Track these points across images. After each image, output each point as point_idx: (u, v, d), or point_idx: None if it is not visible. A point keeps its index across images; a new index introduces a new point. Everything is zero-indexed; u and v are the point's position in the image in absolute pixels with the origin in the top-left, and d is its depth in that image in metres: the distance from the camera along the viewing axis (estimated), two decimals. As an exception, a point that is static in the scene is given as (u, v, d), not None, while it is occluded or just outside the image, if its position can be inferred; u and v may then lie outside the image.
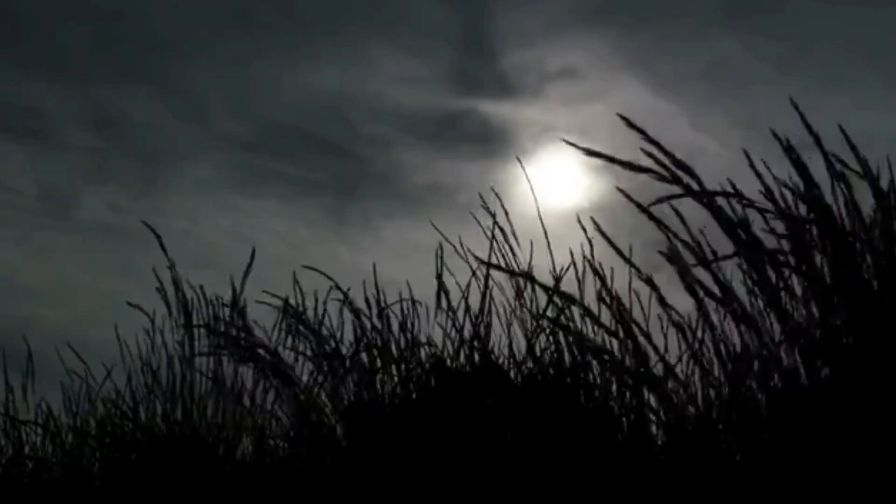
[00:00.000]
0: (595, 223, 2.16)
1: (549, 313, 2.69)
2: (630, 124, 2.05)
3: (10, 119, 6.81)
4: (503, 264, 2.90)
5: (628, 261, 2.20)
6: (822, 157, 2.05)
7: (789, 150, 2.03)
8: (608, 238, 2.18)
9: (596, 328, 2.40)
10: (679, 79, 6.13)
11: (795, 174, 2.11)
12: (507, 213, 2.95)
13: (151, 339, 3.50)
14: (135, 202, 6.74)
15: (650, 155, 2.09)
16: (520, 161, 2.94)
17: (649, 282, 2.18)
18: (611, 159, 2.06)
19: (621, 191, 2.08)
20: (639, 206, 2.09)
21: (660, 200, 2.04)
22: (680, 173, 2.07)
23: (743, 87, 5.89)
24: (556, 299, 2.63)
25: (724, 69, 6.00)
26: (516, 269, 2.88)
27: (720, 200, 2.08)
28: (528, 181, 2.89)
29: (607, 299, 2.36)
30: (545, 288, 2.50)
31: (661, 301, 2.17)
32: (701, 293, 2.07)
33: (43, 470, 3.62)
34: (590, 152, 2.06)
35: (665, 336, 2.27)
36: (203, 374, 3.34)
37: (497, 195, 2.97)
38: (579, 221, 2.56)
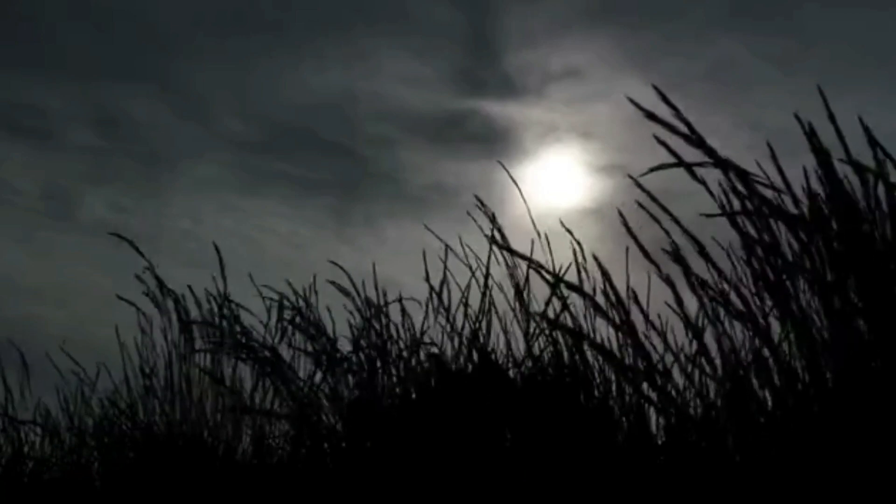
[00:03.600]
0: (622, 216, 2.12)
1: (550, 311, 2.68)
2: (663, 97, 2.02)
3: (12, 119, 6.82)
4: (503, 265, 2.90)
5: (649, 257, 2.18)
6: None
7: (811, 135, 2.01)
8: (633, 234, 2.15)
9: (599, 321, 2.39)
10: (682, 79, 6.12)
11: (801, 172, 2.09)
12: (495, 217, 2.95)
13: (150, 338, 3.50)
14: (137, 202, 6.75)
15: (674, 131, 2.05)
16: (502, 165, 2.95)
17: (668, 281, 2.16)
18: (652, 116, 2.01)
19: (633, 178, 2.07)
20: (649, 195, 2.07)
21: (655, 168, 2.02)
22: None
23: (746, 88, 5.88)
24: (559, 293, 2.62)
25: (727, 70, 5.99)
26: (516, 271, 2.88)
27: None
28: (515, 183, 2.90)
29: (611, 296, 2.34)
30: (550, 274, 2.48)
31: (678, 301, 2.16)
32: (702, 292, 2.06)
33: (43, 470, 3.62)
34: (651, 116, 2.01)
35: (664, 334, 2.27)
36: (203, 369, 3.34)
37: (481, 201, 2.97)
38: (562, 225, 2.57)
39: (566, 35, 6.31)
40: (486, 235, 2.93)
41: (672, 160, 2.05)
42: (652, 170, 2.03)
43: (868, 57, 5.54)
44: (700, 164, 2.03)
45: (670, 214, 2.05)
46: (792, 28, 5.83)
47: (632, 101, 1.99)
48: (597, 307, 2.24)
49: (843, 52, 5.66)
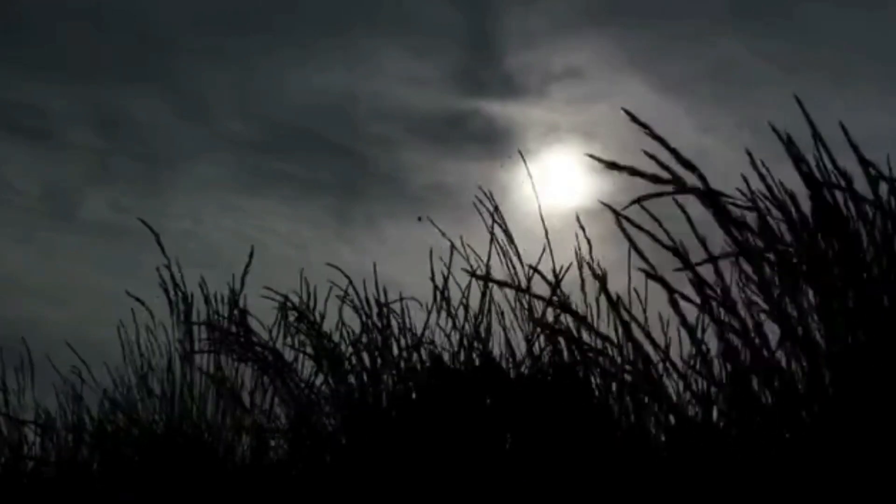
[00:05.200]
0: (616, 213, 2.11)
1: (549, 311, 2.68)
2: (634, 119, 2.02)
3: (13, 119, 6.83)
4: (503, 264, 2.90)
5: (645, 259, 2.17)
6: (817, 156, 2.02)
7: (789, 144, 2.01)
8: (629, 236, 2.14)
9: (591, 335, 2.39)
10: (684, 79, 6.13)
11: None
12: (499, 212, 2.95)
13: (155, 336, 3.51)
14: (138, 202, 6.76)
15: (651, 156, 2.06)
16: (521, 154, 2.93)
17: (662, 282, 2.15)
18: (614, 165, 2.02)
19: (606, 205, 2.06)
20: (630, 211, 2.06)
21: (643, 198, 2.02)
22: (683, 172, 2.04)
23: (748, 88, 5.88)
24: (558, 294, 2.62)
25: (728, 70, 5.99)
26: (516, 268, 2.88)
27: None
28: (530, 176, 2.88)
29: (621, 293, 2.33)
30: (541, 298, 2.49)
31: (674, 303, 2.15)
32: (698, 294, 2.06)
33: (43, 470, 3.61)
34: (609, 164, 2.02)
35: (665, 335, 2.27)
36: (203, 372, 3.34)
37: (491, 196, 2.97)
38: (579, 221, 2.56)
39: (567, 35, 6.32)
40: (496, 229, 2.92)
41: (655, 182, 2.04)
42: (636, 201, 2.03)
43: (868, 57, 5.53)
44: (683, 191, 2.02)
45: (651, 235, 2.04)
46: (793, 28, 5.83)
47: (628, 112, 2.00)
48: (585, 324, 2.24)
49: (844, 53, 5.66)
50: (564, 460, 2.34)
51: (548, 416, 2.48)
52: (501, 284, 2.80)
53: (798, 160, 1.99)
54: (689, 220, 2.08)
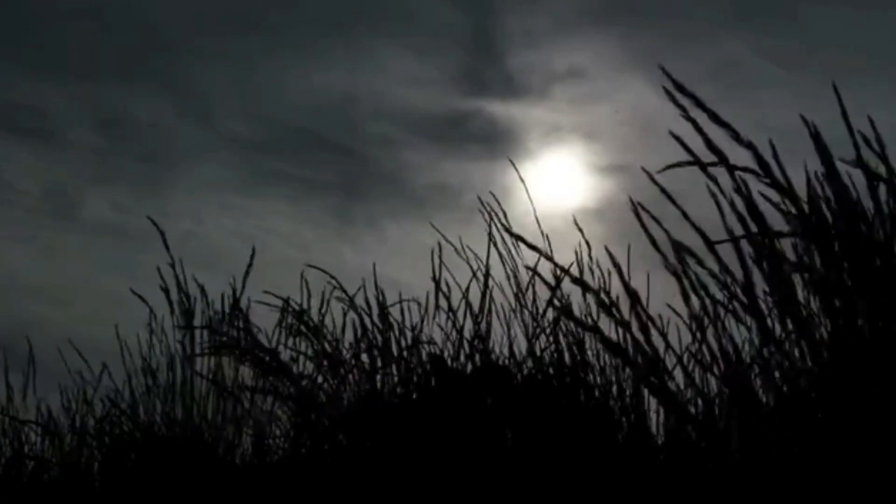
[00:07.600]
0: (636, 206, 2.10)
1: (550, 311, 2.67)
2: (682, 89, 2.01)
3: (14, 119, 6.82)
4: (504, 265, 2.90)
5: (660, 251, 2.16)
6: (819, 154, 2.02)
7: (816, 137, 2.00)
8: (646, 228, 2.13)
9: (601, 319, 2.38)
10: (686, 79, 6.11)
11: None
12: (505, 215, 2.95)
13: (152, 337, 3.50)
14: (139, 202, 6.75)
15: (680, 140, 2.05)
16: (513, 163, 2.94)
17: (676, 276, 2.15)
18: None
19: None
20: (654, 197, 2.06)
21: (671, 166, 2.02)
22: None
23: (750, 88, 5.87)
24: (559, 293, 2.61)
25: (731, 70, 5.98)
26: (517, 270, 2.88)
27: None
28: (523, 182, 2.89)
29: (620, 293, 2.33)
30: (555, 270, 2.48)
31: (685, 297, 2.15)
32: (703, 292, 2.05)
33: (43, 470, 3.61)
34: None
35: (666, 334, 2.26)
36: (203, 376, 3.33)
37: (496, 199, 2.97)
38: (575, 223, 2.58)
39: (569, 35, 6.31)
40: (495, 230, 2.92)
41: (686, 157, 2.05)
42: (668, 167, 2.03)
43: (871, 57, 5.53)
44: (715, 164, 2.02)
45: (681, 210, 2.04)
46: (796, 29, 5.83)
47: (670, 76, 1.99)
48: (602, 304, 2.23)
49: (847, 53, 5.65)
50: (566, 461, 2.33)
51: (548, 416, 2.47)
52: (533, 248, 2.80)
53: (826, 155, 1.98)
54: (713, 195, 2.08)
